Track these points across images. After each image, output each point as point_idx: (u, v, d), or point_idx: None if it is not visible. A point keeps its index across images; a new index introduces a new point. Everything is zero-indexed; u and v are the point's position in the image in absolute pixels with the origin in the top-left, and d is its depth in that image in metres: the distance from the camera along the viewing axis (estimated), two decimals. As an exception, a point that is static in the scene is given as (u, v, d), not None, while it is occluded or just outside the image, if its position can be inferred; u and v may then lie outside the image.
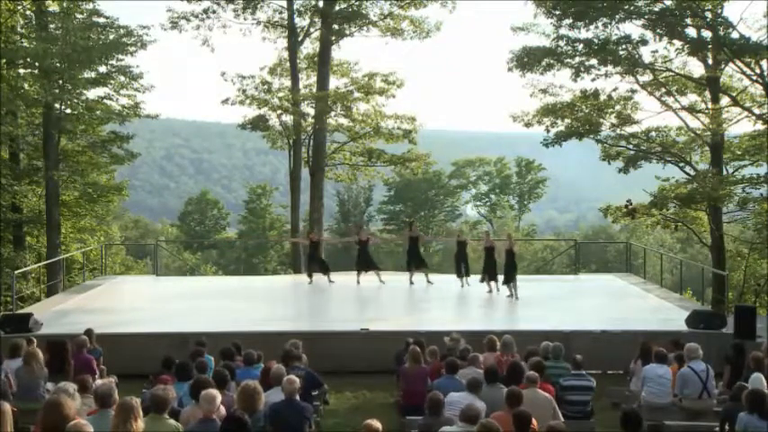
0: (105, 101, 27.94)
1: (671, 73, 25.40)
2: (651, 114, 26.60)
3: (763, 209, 24.83)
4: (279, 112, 29.89)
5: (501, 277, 18.22)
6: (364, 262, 20.36)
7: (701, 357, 9.78)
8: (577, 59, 24.99)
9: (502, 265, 18.18)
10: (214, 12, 30.21)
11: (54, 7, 26.87)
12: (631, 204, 26.08)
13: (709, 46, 23.90)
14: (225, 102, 29.74)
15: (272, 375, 8.51)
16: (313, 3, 31.00)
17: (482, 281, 18.95)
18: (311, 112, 29.78)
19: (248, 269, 52.59)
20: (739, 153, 25.68)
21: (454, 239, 21.45)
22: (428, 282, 20.12)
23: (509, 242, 18.21)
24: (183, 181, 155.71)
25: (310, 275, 20.94)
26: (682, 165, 25.98)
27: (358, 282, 20.13)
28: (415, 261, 20.27)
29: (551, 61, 25.13)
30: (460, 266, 19.74)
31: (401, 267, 24.09)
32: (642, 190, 26.48)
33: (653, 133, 25.90)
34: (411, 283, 20.03)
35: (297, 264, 30.41)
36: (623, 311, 16.99)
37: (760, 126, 24.62)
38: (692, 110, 25.74)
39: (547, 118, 25.99)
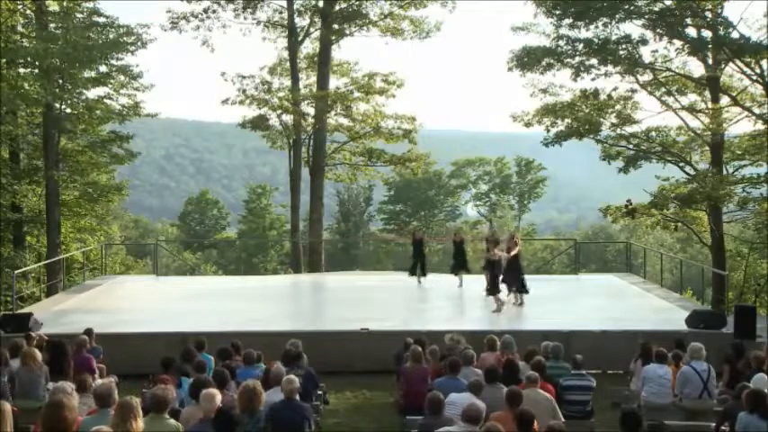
0: (105, 100, 27.94)
1: (671, 73, 25.40)
2: (651, 114, 26.70)
3: (763, 209, 24.79)
4: (279, 111, 29.89)
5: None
6: (462, 263, 19.88)
7: (704, 358, 9.79)
8: (577, 59, 24.99)
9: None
10: (214, 12, 30.28)
11: (54, 7, 26.85)
12: (631, 204, 26.02)
13: (710, 46, 23.90)
14: (225, 102, 29.75)
15: (272, 375, 8.51)
16: (313, 3, 31.02)
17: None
18: (311, 111, 29.80)
19: (248, 269, 52.57)
20: (739, 153, 25.63)
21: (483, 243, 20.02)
22: (459, 285, 19.57)
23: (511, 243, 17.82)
24: (183, 181, 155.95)
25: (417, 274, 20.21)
26: (682, 165, 25.97)
27: (460, 284, 19.48)
28: (459, 264, 19.79)
29: (551, 61, 25.13)
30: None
31: (402, 267, 23.79)
32: (642, 190, 26.45)
33: (653, 133, 25.88)
34: (460, 285, 19.48)
35: (297, 264, 30.41)
36: (623, 311, 16.98)
37: (760, 126, 24.60)
38: (692, 110, 25.73)
39: (547, 118, 25.97)
